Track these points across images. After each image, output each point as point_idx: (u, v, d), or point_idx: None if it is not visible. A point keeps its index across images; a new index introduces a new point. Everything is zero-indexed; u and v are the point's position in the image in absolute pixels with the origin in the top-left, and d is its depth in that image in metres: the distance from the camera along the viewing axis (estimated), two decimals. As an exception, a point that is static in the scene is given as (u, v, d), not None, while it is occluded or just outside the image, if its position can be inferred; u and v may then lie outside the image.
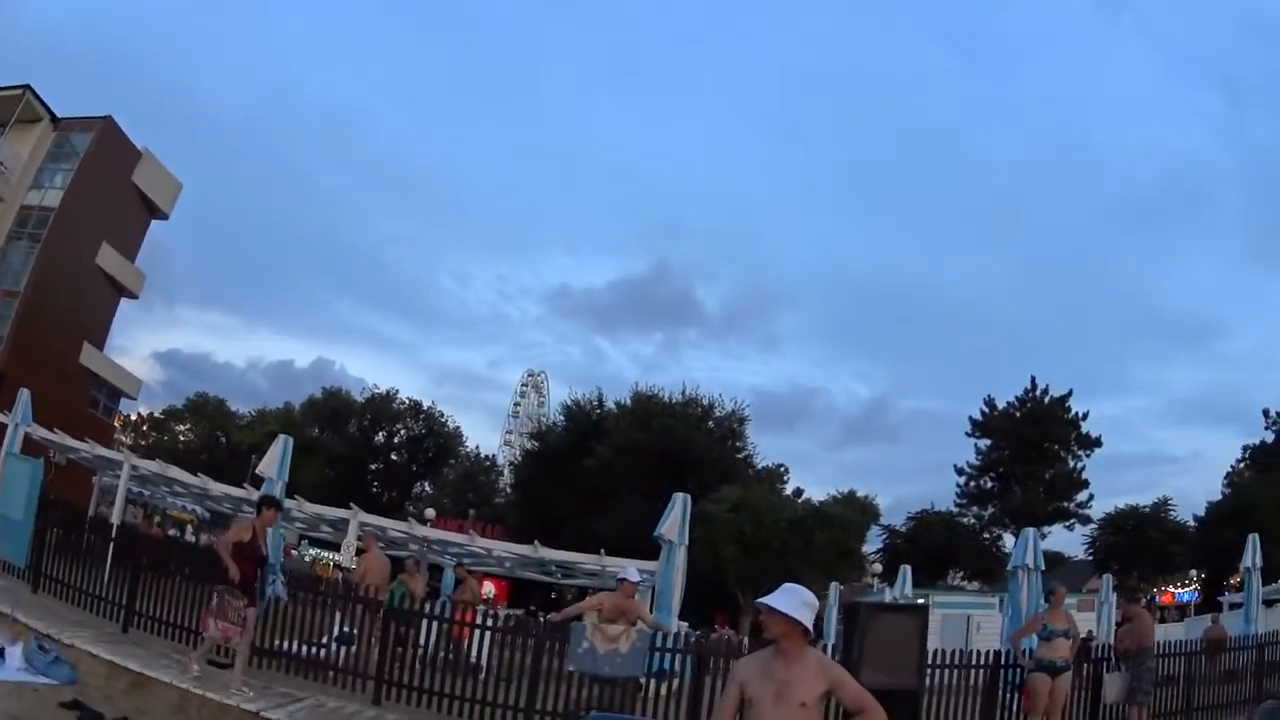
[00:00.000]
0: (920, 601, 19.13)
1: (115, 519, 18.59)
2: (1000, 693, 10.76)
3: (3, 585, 11.90)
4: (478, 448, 68.38)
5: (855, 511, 42.52)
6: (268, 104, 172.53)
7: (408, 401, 63.89)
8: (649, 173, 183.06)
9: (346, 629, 11.53)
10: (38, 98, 36.24)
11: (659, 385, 46.79)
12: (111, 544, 13.13)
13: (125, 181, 36.77)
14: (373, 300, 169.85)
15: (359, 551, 16.86)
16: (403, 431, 63.84)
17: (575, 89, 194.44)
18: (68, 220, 34.37)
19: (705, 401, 45.66)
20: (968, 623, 23.09)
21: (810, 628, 4.10)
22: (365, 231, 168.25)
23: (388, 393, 63.46)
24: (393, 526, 20.01)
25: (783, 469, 48.08)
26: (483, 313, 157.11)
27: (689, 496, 14.05)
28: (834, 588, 24.37)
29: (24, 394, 18.07)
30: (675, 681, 10.40)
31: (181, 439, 74.39)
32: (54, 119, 36.97)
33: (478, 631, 11.42)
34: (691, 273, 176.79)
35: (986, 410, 52.60)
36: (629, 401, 45.51)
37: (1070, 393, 50.96)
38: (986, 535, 51.89)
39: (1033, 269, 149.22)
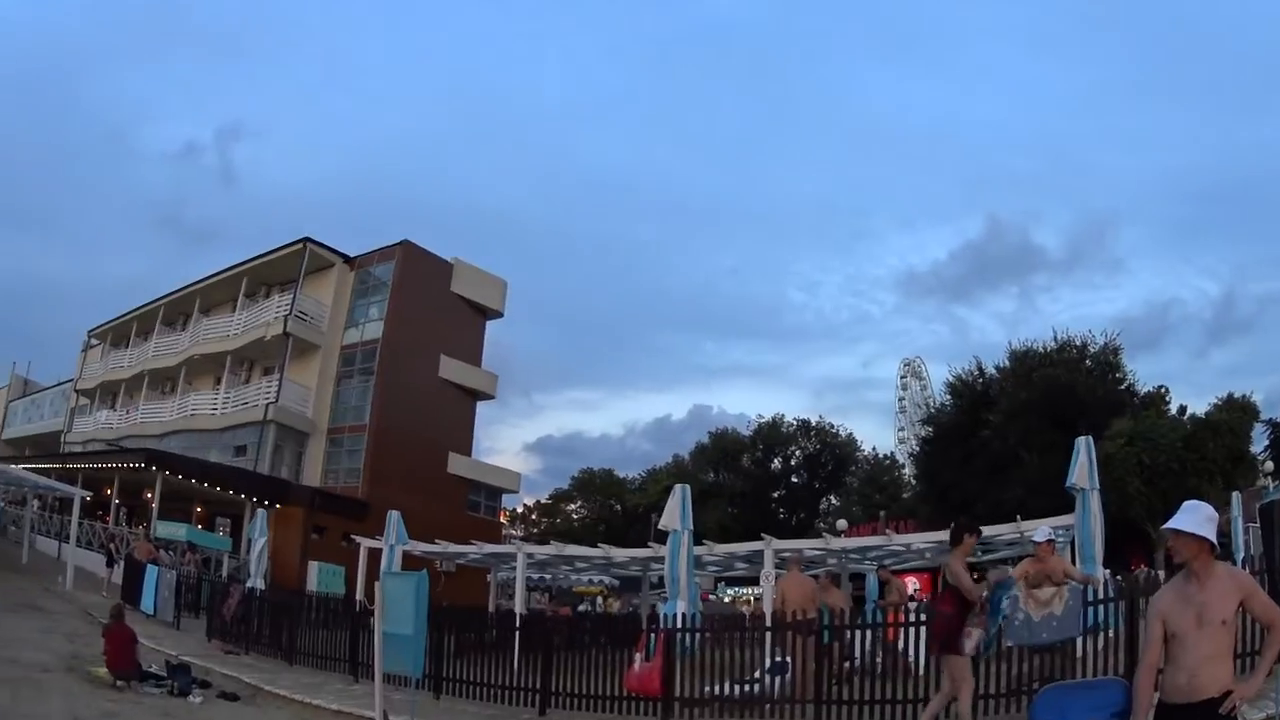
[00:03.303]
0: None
1: (518, 608, 19.22)
2: None
3: (401, 698, 12.03)
4: (874, 449, 68.40)
5: (1237, 413, 38.51)
6: (554, 178, 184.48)
7: (795, 422, 65.03)
8: (954, 133, 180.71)
9: (778, 658, 11.28)
10: (321, 245, 38.93)
11: (1030, 339, 45.06)
12: (517, 632, 13.97)
13: (445, 294, 38.36)
14: (729, 334, 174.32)
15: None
16: (797, 453, 65.05)
17: (854, 71, 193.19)
18: (395, 347, 36.14)
19: (1078, 342, 43.71)
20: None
21: (1215, 542, 4.05)
22: (696, 271, 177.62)
23: (773, 419, 64.84)
24: (807, 546, 19.33)
25: (1163, 390, 43.87)
26: (841, 316, 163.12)
27: (1090, 438, 13.45)
28: (1235, 497, 21.29)
29: (393, 516, 19.51)
30: (1107, 634, 9.72)
31: (575, 517, 78.17)
32: (346, 259, 39.47)
33: (912, 630, 11.01)
34: (1023, 220, 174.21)
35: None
36: (1007, 362, 44.31)
37: None
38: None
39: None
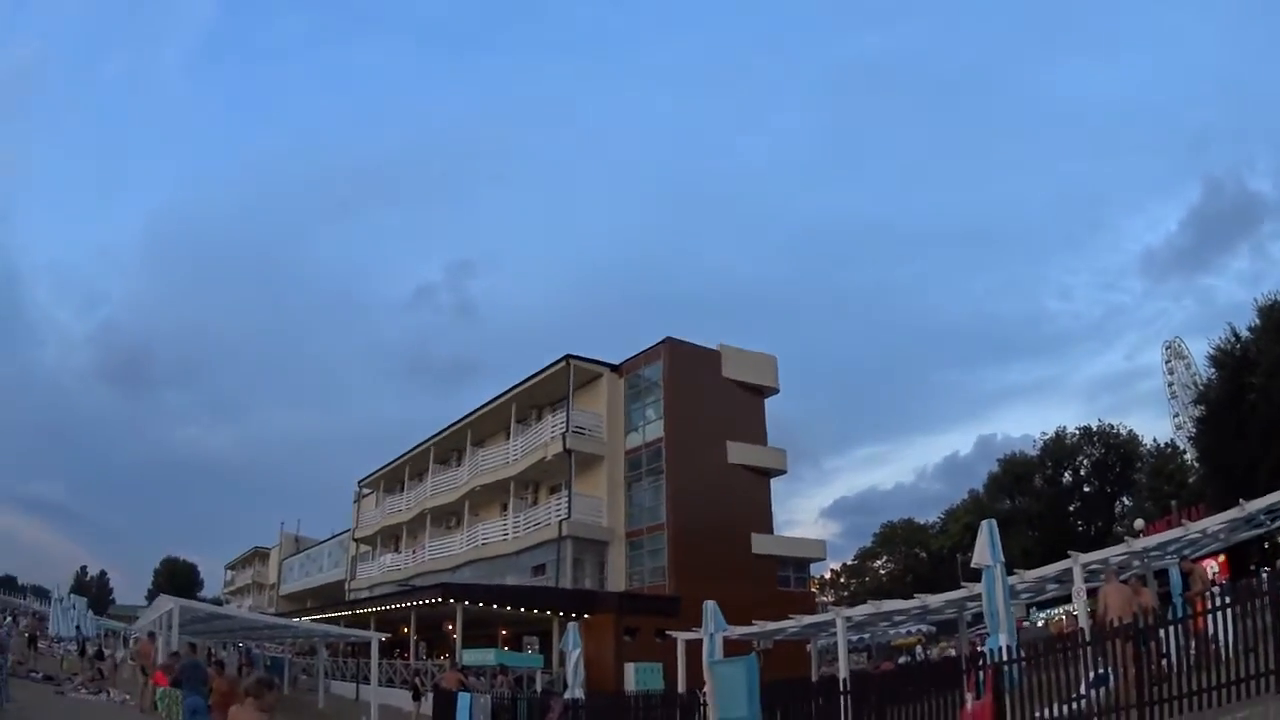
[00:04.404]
0: None
1: (842, 672, 18.97)
2: None
3: None
4: (1154, 440, 67.47)
5: None
6: (789, 242, 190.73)
7: (1077, 432, 65.84)
8: (1147, 103, 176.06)
9: (1100, 670, 11.41)
10: (583, 359, 40.00)
11: (1273, 290, 43.96)
12: (844, 696, 14.22)
13: (719, 382, 38.74)
14: (999, 358, 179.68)
15: (1090, 592, 17.06)
16: (1084, 462, 65.45)
17: (1034, 69, 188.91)
18: (679, 443, 36.61)
19: (1326, 281, 41.79)
20: None
21: None
22: (953, 304, 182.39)
23: (1056, 433, 65.98)
24: (1112, 553, 18.56)
25: None
26: (1096, 313, 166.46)
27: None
28: None
29: (709, 605, 19.90)
30: None
31: (882, 572, 79.61)
32: (613, 368, 40.48)
33: (1218, 615, 11.10)
34: (1238, 170, 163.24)
35: None
36: (1257, 320, 42.43)
37: None
38: None
39: None
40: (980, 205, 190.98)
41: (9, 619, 44.13)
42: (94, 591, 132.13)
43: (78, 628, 47.81)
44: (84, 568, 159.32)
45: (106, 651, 36.04)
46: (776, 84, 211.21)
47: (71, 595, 63.35)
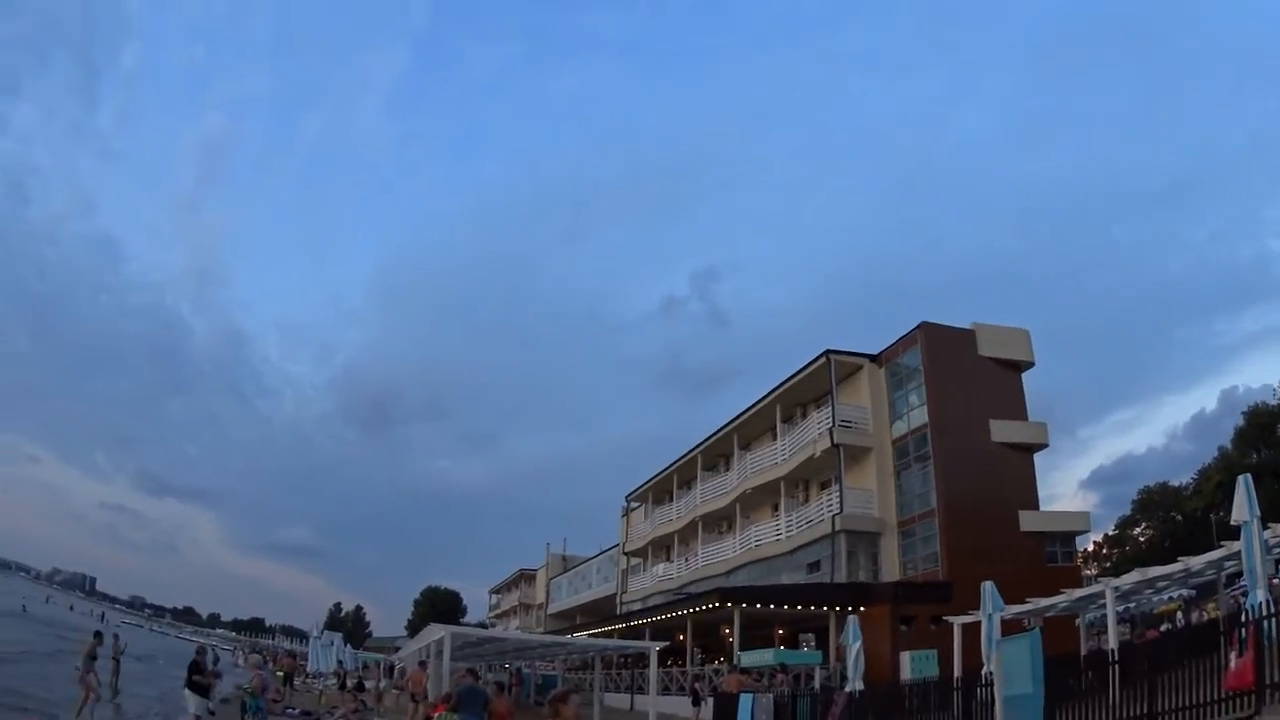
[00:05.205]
0: None
1: (1112, 643, 19.13)
2: None
3: None
4: None
5: None
6: (1016, 214, 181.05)
7: None
8: None
9: None
10: (842, 353, 40.81)
11: None
12: (1113, 666, 14.68)
13: (976, 361, 38.56)
14: (1232, 306, 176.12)
15: None
16: None
17: None
18: (943, 427, 36.69)
19: None
20: None
21: None
22: (1182, 255, 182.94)
23: None
24: None
25: None
26: None
27: None
28: None
29: (987, 586, 20.20)
30: None
31: (1141, 539, 76.94)
32: (872, 358, 40.99)
33: None
34: None
35: None
36: None
37: None
38: None
39: None
40: (1185, 151, 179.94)
41: (266, 660, 46.14)
42: (349, 626, 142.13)
43: (340, 662, 51.54)
44: (338, 604, 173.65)
45: (367, 683, 37.75)
46: (977, 52, 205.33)
47: (326, 631, 68.80)
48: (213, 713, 19.53)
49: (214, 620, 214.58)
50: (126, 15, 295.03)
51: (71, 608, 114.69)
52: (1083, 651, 24.69)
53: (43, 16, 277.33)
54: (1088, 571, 59.80)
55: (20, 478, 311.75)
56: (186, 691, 17.89)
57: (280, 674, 37.01)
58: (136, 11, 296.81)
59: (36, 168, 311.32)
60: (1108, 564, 73.70)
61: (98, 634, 22.04)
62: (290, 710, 29.84)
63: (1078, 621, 27.93)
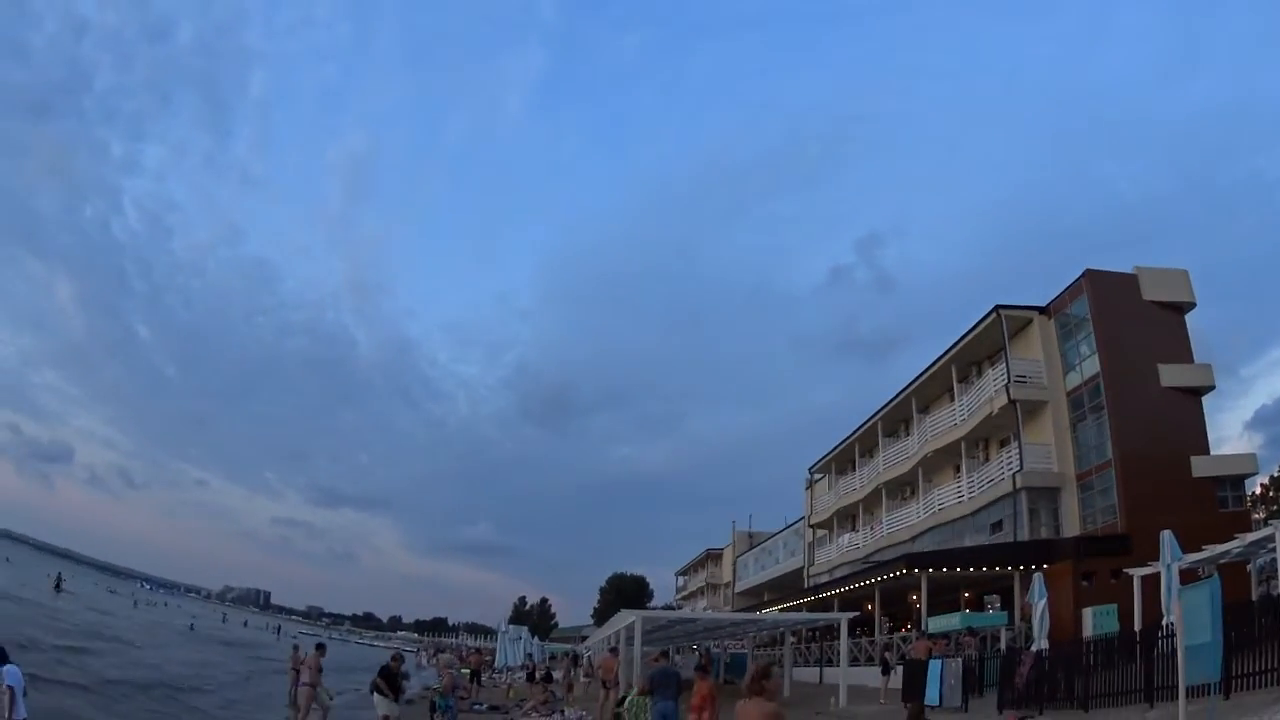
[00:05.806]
0: None
1: None
2: None
3: (1195, 708, 13.13)
4: None
5: None
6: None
7: None
8: None
9: None
10: (1012, 307, 40.47)
11: None
12: None
13: (1141, 305, 37.75)
14: None
15: None
16: None
17: None
18: (1115, 375, 36.21)
19: None
20: None
21: None
22: None
23: None
24: None
25: None
26: None
27: None
28: None
29: (1165, 535, 19.52)
30: None
31: None
32: (1041, 310, 40.53)
33: None
34: None
35: None
36: None
37: None
38: None
39: None
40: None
41: (455, 659, 46.33)
42: (535, 618, 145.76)
43: (529, 655, 53.00)
44: (523, 598, 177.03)
45: (556, 674, 38.41)
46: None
47: (512, 626, 71.02)
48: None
49: (395, 623, 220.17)
50: (246, 46, 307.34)
51: (245, 623, 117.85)
52: (1253, 597, 24.39)
53: (159, 60, 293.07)
54: (1256, 515, 57.56)
55: (189, 502, 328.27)
56: (375, 696, 18.18)
57: (466, 671, 37.59)
58: (256, 42, 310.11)
59: (174, 204, 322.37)
60: (1275, 506, 70.28)
61: (319, 645, 22.35)
62: (477, 706, 30.65)
63: (1248, 567, 27.49)
